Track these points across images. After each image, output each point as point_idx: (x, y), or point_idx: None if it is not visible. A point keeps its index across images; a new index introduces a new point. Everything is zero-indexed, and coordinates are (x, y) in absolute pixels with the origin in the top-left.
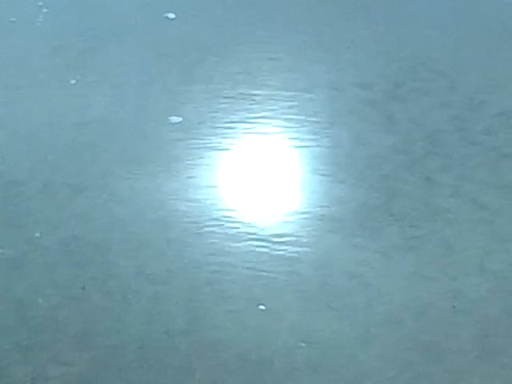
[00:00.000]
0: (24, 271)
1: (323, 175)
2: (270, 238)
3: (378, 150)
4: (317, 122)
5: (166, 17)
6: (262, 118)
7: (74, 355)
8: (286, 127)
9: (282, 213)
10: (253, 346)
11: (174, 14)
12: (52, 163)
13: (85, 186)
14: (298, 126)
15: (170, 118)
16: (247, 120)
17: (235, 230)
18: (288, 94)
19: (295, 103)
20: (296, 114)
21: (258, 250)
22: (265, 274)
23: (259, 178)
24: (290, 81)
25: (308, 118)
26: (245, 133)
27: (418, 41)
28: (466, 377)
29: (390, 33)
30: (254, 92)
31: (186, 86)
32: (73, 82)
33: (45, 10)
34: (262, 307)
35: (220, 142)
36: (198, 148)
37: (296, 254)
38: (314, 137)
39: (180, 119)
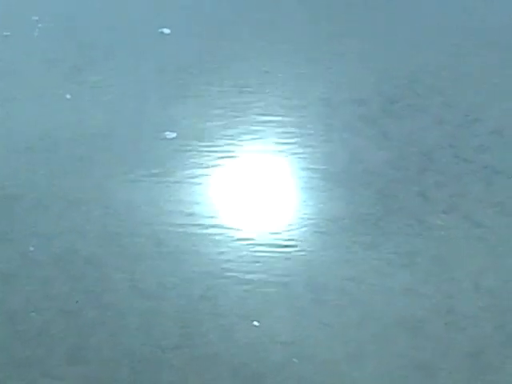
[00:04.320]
0: (18, 285)
1: (317, 191)
2: (264, 254)
3: (373, 166)
4: (312, 138)
5: (162, 32)
6: (256, 133)
7: (67, 370)
8: (280, 143)
9: (276, 229)
10: (246, 362)
11: (169, 29)
12: (47, 177)
13: (79, 200)
14: (292, 141)
15: (165, 133)
16: (242, 135)
17: (230, 245)
18: (283, 109)
19: (290, 119)
20: (291, 130)
21: (252, 265)
22: (258, 289)
23: (253, 193)
24: (284, 96)
25: (303, 134)
26: (240, 148)
27: (413, 58)
28: None
29: (385, 49)
30: (249, 108)
31: (180, 101)
32: (68, 96)
33: (40, 25)
34: (255, 323)
35: (215, 157)
36: (194, 163)
37: (289, 270)
38: (308, 153)
39: (175, 134)
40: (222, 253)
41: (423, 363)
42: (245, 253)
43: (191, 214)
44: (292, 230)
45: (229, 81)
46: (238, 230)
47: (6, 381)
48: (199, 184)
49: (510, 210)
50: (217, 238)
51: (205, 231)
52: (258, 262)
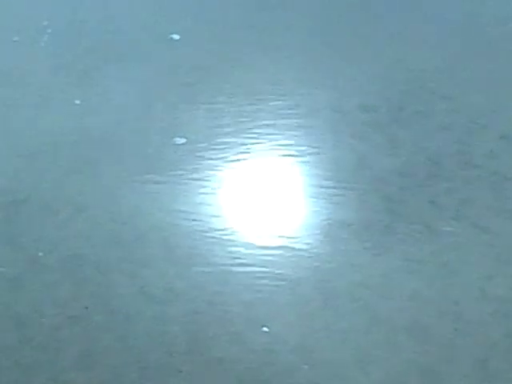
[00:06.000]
0: (25, 290)
1: (326, 197)
2: (272, 260)
3: (381, 173)
4: (320, 145)
5: (171, 38)
6: (265, 139)
7: (75, 375)
8: (288, 150)
9: (285, 234)
10: (255, 367)
11: (179, 35)
12: (54, 182)
13: (87, 205)
14: (300, 148)
15: (175, 138)
16: (251, 141)
17: (238, 251)
18: (291, 115)
19: (299, 125)
20: (299, 137)
21: (260, 271)
22: (268, 295)
23: (263, 198)
24: (292, 103)
25: (311, 141)
26: (249, 154)
27: (420, 64)
28: None
29: (392, 56)
30: (258, 114)
31: (190, 106)
32: (77, 101)
33: (49, 30)
34: (265, 329)
35: (224, 163)
36: (203, 168)
37: (298, 276)
38: (316, 159)
39: (184, 140)
40: (231, 258)
41: (430, 369)
42: (254, 258)
43: (200, 219)
44: (301, 235)
45: (238, 87)
46: (246, 235)
47: None
48: (208, 189)
49: None
50: (226, 243)
51: (213, 236)
52: (267, 267)
